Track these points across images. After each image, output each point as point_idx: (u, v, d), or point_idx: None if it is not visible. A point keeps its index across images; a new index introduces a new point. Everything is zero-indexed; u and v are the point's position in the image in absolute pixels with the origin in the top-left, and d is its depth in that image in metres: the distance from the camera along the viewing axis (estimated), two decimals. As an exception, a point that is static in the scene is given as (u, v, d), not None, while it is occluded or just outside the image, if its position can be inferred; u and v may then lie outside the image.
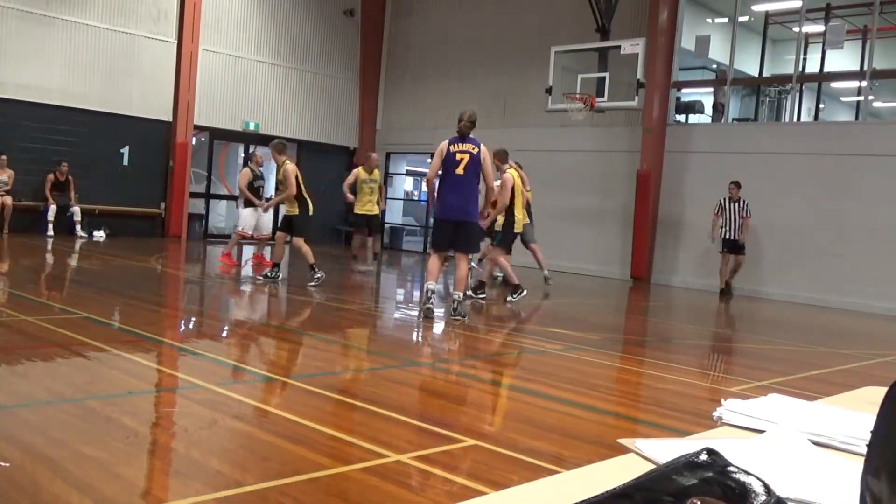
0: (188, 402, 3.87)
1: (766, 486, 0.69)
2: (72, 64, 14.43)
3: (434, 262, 7.52)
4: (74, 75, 14.47)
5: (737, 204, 12.37)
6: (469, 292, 8.94)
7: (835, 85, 18.26)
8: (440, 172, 7.41)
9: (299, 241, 9.40)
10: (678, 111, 14.91)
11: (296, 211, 9.44)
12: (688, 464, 0.72)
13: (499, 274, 10.65)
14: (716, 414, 1.29)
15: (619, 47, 12.51)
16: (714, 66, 16.06)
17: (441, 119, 15.32)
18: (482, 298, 9.25)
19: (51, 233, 13.82)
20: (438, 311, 7.57)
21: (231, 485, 2.69)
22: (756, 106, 17.15)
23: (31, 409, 3.48)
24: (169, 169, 15.65)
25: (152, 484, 2.79)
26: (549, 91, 13.13)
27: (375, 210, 11.51)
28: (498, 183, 9.08)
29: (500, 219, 9.16)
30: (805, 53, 15.02)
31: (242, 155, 17.26)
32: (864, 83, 13.54)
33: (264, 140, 14.34)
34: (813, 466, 1.02)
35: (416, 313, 7.86)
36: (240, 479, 2.77)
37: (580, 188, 14.88)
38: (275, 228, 12.28)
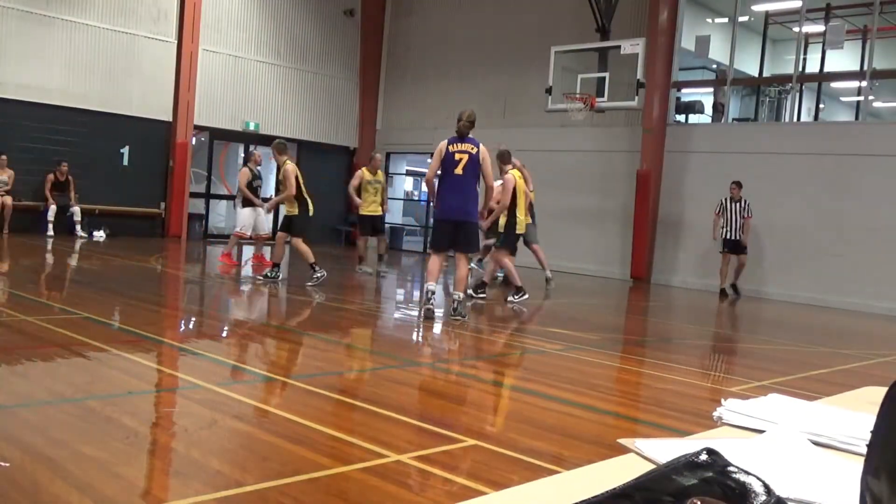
0: (188, 402, 3.87)
1: (766, 486, 0.69)
2: (72, 64, 14.43)
3: (434, 262, 7.51)
4: (74, 75, 14.47)
5: (738, 204, 12.37)
6: (469, 292, 8.94)
7: (835, 85, 18.26)
8: (439, 172, 7.41)
9: (298, 241, 9.42)
10: (678, 111, 14.90)
11: (296, 211, 9.46)
12: (688, 464, 0.72)
13: (499, 274, 10.65)
14: (716, 414, 1.29)
15: (619, 47, 12.51)
16: (714, 66, 16.06)
17: (441, 119, 15.32)
18: (482, 298, 9.25)
19: (51, 233, 13.82)
20: (438, 312, 7.57)
21: (231, 485, 2.69)
22: (756, 106, 17.15)
23: (31, 409, 3.48)
24: (169, 169, 15.65)
25: (152, 484, 2.79)
26: (549, 91, 13.12)
27: (380, 211, 11.47)
28: (499, 183, 9.08)
29: (503, 220, 9.16)
30: (805, 53, 15.02)
31: (242, 155, 17.25)
32: (864, 83, 13.54)
33: (264, 140, 14.36)
34: (813, 466, 1.02)
35: (416, 313, 7.86)
36: (240, 479, 2.77)
37: (580, 188, 14.88)
38: (275, 229, 12.28)
